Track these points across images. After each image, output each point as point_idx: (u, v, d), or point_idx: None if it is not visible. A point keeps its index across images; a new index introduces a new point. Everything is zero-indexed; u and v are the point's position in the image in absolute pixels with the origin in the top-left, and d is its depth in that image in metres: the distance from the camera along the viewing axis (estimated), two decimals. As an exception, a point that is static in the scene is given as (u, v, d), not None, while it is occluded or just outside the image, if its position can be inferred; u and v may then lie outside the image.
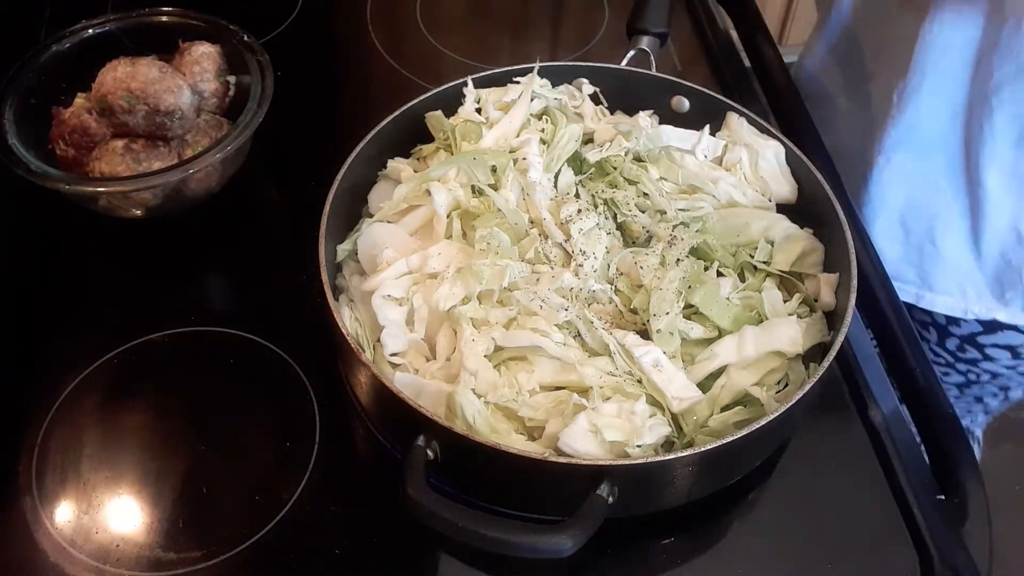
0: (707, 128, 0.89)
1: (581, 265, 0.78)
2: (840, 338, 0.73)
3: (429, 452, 0.68)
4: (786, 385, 0.76)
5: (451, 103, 0.90)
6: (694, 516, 0.76)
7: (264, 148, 0.98)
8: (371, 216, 0.84)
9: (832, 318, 0.79)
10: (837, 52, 1.09)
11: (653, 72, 0.95)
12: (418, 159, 0.89)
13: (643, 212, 0.83)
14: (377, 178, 0.88)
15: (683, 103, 0.92)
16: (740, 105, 0.89)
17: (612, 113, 0.93)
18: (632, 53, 0.97)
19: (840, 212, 0.80)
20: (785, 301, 0.80)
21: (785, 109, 1.06)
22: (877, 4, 1.00)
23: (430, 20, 1.19)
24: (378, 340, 0.75)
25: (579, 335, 0.76)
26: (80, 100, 0.93)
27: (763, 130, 0.88)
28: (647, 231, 0.82)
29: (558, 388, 0.74)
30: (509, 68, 0.91)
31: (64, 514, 0.76)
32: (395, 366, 0.75)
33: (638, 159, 0.87)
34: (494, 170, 0.84)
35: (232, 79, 0.98)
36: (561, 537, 0.63)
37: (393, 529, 0.75)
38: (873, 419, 0.82)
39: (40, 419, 0.81)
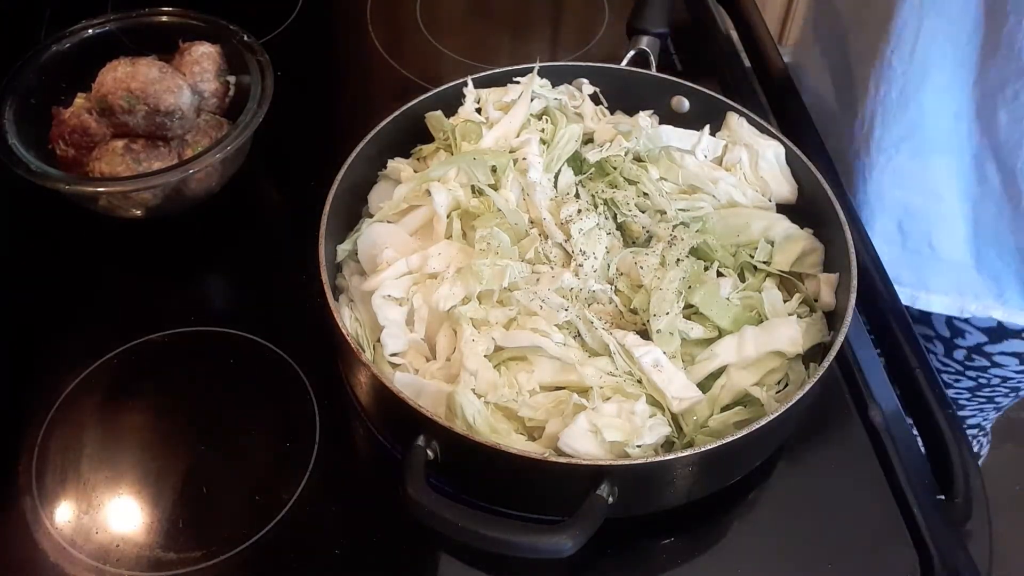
0: (707, 128, 0.89)
1: (581, 265, 0.78)
2: (840, 338, 0.73)
3: (429, 452, 0.68)
4: (786, 385, 0.76)
5: (451, 103, 0.90)
6: (694, 516, 0.76)
7: (264, 148, 0.98)
8: (371, 216, 0.84)
9: (832, 318, 0.79)
10: (830, 51, 1.09)
11: (653, 72, 0.95)
12: (418, 159, 0.89)
13: (643, 212, 0.83)
14: (377, 178, 0.88)
15: (683, 103, 0.92)
16: (740, 105, 0.89)
17: (612, 113, 0.93)
18: (632, 53, 0.97)
19: (840, 212, 0.80)
20: (785, 301, 0.80)
21: (785, 109, 1.06)
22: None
23: (430, 20, 1.19)
24: (378, 340, 0.75)
25: (579, 335, 0.76)
26: (80, 100, 0.93)
27: (763, 130, 0.88)
28: (647, 231, 0.82)
29: (558, 388, 0.74)
30: (509, 68, 0.91)
31: (64, 514, 0.76)
32: (395, 366, 0.75)
33: (638, 159, 0.87)
34: (494, 170, 0.84)
35: (232, 79, 0.98)
36: (561, 537, 0.63)
37: (393, 529, 0.75)
38: (873, 419, 0.82)
39: (40, 419, 0.81)
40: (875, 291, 0.90)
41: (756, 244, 0.82)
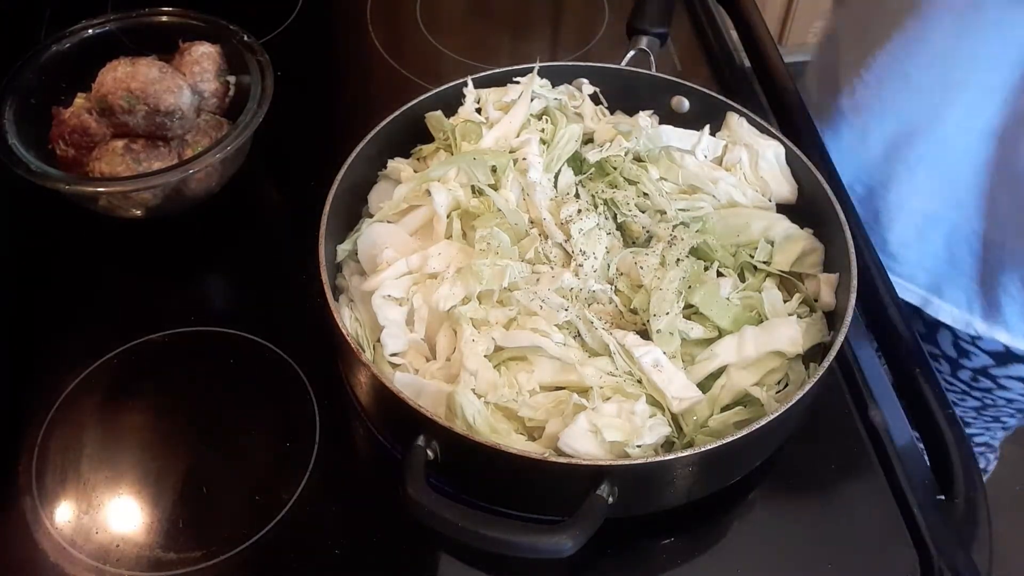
0: (707, 128, 0.89)
1: (581, 265, 0.78)
2: (840, 338, 0.73)
3: (429, 452, 0.68)
4: (786, 385, 0.76)
5: (451, 103, 0.90)
6: (694, 516, 0.76)
7: (264, 148, 0.98)
8: (371, 216, 0.84)
9: (832, 318, 0.79)
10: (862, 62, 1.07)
11: (653, 72, 0.95)
12: (418, 159, 0.89)
13: (643, 212, 0.83)
14: (377, 178, 0.88)
15: (683, 103, 0.92)
16: (740, 105, 0.89)
17: (612, 113, 0.93)
18: (632, 53, 0.97)
19: (840, 212, 0.80)
20: (785, 301, 0.80)
21: (785, 109, 1.05)
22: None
23: (430, 20, 1.19)
24: (378, 340, 0.75)
25: (579, 335, 0.76)
26: (80, 100, 0.93)
27: (763, 130, 0.88)
28: (647, 231, 0.82)
29: (558, 388, 0.74)
30: (509, 68, 0.91)
31: (64, 514, 0.76)
32: (395, 366, 0.75)
33: (638, 159, 0.87)
34: (494, 170, 0.84)
35: (232, 79, 0.98)
36: (561, 537, 0.63)
37: (393, 529, 0.75)
38: (873, 419, 0.82)
39: (40, 419, 0.81)
40: (875, 291, 0.89)
41: (756, 244, 0.82)
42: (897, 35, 0.94)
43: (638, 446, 0.69)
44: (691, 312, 0.77)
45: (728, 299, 0.78)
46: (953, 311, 1.04)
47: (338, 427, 0.81)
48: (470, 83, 0.90)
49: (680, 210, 0.83)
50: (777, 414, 0.68)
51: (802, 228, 0.84)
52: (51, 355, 0.86)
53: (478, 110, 0.90)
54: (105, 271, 0.94)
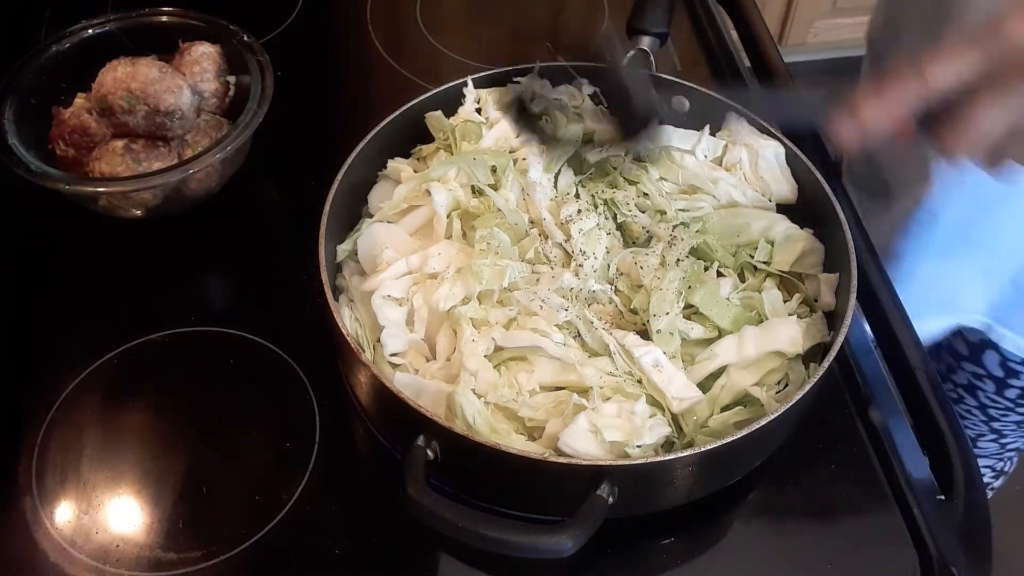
0: (707, 128, 0.89)
1: (581, 265, 0.78)
2: (840, 338, 0.73)
3: (429, 452, 0.68)
4: (786, 385, 0.76)
5: (451, 103, 0.90)
6: (694, 516, 0.76)
7: (264, 148, 0.98)
8: (371, 216, 0.84)
9: (832, 318, 0.79)
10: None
11: (653, 72, 0.95)
12: (418, 159, 0.89)
13: (643, 212, 0.83)
14: (377, 178, 0.88)
15: (683, 103, 0.92)
16: (741, 107, 0.89)
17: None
18: (632, 53, 0.96)
19: (840, 212, 0.80)
20: (785, 301, 0.80)
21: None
22: None
23: (430, 20, 1.19)
24: (378, 340, 0.75)
25: (579, 335, 0.76)
26: (80, 100, 0.93)
27: (763, 130, 0.88)
28: (647, 231, 0.82)
29: (558, 388, 0.74)
30: (509, 68, 0.91)
31: (64, 514, 0.76)
32: (395, 366, 0.75)
33: (638, 159, 0.87)
34: (494, 170, 0.84)
35: (232, 79, 0.98)
36: (561, 537, 0.63)
37: (393, 529, 0.75)
38: (873, 419, 0.82)
39: (40, 419, 0.81)
40: (875, 291, 0.89)
41: (756, 244, 0.82)
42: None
43: (638, 446, 0.69)
44: (691, 312, 0.77)
45: (728, 299, 0.78)
46: (1017, 339, 1.04)
47: (338, 427, 0.81)
48: (470, 83, 0.90)
49: (680, 210, 0.83)
50: (777, 414, 0.68)
51: (802, 228, 0.84)
52: (51, 355, 0.86)
53: (478, 110, 0.90)
54: (105, 271, 0.94)
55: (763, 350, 0.75)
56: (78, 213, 0.92)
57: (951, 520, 0.76)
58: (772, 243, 0.82)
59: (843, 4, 2.42)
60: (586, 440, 0.69)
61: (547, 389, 0.74)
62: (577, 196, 0.85)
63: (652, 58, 0.97)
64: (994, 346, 1.06)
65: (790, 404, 0.69)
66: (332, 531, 0.75)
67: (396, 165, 0.87)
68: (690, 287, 0.77)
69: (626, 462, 0.67)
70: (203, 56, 0.95)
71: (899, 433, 0.81)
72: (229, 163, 0.93)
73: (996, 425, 1.18)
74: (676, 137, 0.89)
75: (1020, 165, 0.62)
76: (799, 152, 0.86)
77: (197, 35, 0.98)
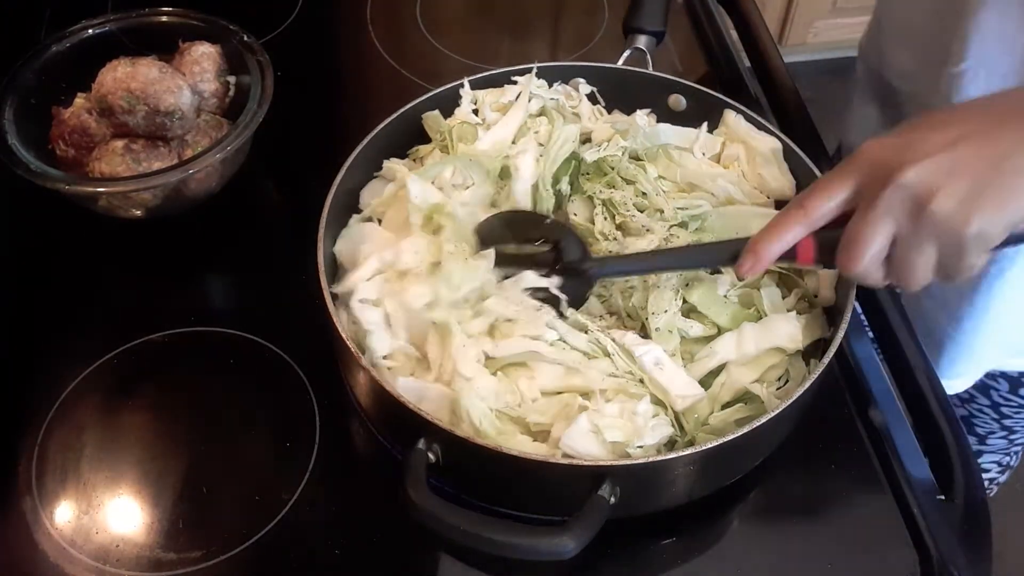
0: (704, 126, 0.89)
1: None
2: (840, 334, 0.73)
3: (430, 455, 0.68)
4: (786, 382, 0.76)
5: (451, 104, 0.90)
6: (694, 516, 0.76)
7: (264, 148, 0.98)
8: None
9: (832, 314, 0.79)
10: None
11: (650, 71, 0.95)
12: (415, 159, 0.89)
13: (641, 211, 0.83)
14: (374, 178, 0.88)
15: (681, 101, 0.92)
16: (740, 105, 0.89)
17: (610, 112, 0.93)
18: (628, 52, 0.97)
19: (839, 211, 0.79)
20: (784, 297, 0.80)
21: (785, 109, 1.05)
22: None
23: (430, 20, 1.19)
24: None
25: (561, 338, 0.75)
26: (80, 100, 0.93)
27: (760, 127, 0.88)
28: (646, 230, 0.82)
29: (560, 392, 0.73)
30: (508, 68, 0.91)
31: (64, 514, 0.76)
32: (391, 369, 0.74)
33: (636, 158, 0.87)
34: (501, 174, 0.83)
35: (232, 79, 0.98)
36: (563, 538, 0.63)
37: (393, 529, 0.75)
38: (873, 419, 0.82)
39: (40, 419, 0.81)
40: (875, 290, 0.89)
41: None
42: None
43: (639, 446, 0.69)
44: (690, 309, 0.77)
45: (726, 297, 0.78)
46: None
47: (338, 427, 0.81)
48: (466, 84, 0.90)
49: (679, 208, 0.83)
50: (778, 411, 0.68)
51: (801, 225, 0.84)
52: (51, 355, 0.86)
53: (475, 111, 0.90)
54: (105, 271, 0.94)
55: (763, 347, 0.75)
56: (78, 213, 0.92)
57: (951, 520, 0.76)
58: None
59: (843, 4, 2.42)
60: (587, 440, 0.69)
61: (549, 394, 0.73)
62: (571, 201, 0.84)
63: (648, 57, 0.97)
64: None
65: (791, 400, 0.69)
66: (332, 531, 0.75)
67: (391, 165, 0.87)
68: (688, 285, 0.77)
69: (627, 462, 0.67)
70: (203, 56, 0.95)
71: (899, 433, 0.81)
72: (229, 163, 0.93)
73: (1007, 422, 1.17)
74: (674, 135, 0.88)
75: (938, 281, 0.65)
76: (796, 148, 0.86)
77: (197, 35, 0.98)
